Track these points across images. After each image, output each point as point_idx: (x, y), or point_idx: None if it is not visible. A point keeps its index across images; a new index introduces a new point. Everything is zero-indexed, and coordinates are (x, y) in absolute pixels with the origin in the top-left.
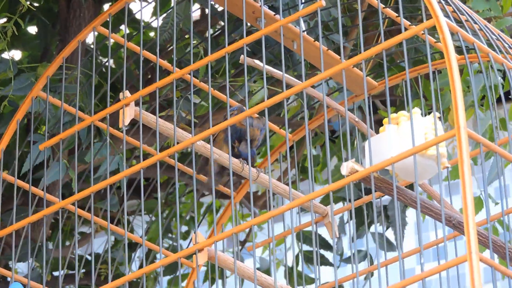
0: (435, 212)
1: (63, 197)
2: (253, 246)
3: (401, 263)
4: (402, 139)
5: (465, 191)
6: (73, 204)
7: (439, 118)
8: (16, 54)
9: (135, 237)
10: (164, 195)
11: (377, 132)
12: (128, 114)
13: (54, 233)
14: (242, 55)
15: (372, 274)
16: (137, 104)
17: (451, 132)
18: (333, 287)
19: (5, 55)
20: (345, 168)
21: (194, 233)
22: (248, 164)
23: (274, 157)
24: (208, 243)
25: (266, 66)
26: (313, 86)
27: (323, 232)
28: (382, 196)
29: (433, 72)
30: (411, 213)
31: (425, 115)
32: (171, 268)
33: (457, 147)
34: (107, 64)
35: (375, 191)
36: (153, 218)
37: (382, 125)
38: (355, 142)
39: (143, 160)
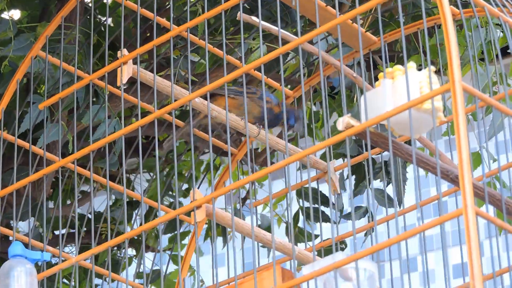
0: (432, 166)
1: (63, 157)
2: (232, 206)
3: (397, 220)
4: (397, 93)
5: (460, 145)
6: (73, 162)
7: (436, 72)
8: (15, 14)
9: (135, 195)
10: (164, 153)
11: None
12: (126, 73)
13: (55, 192)
14: (239, 12)
15: (372, 230)
16: (135, 62)
17: (446, 85)
18: (335, 243)
19: (5, 15)
20: (341, 123)
21: (192, 190)
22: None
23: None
24: (206, 200)
25: (263, 22)
26: (312, 43)
27: (324, 188)
28: (382, 152)
29: (432, 27)
30: (412, 169)
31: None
32: (172, 226)
33: (453, 101)
34: (105, 22)
35: (372, 146)
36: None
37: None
38: (355, 98)
39: (142, 118)
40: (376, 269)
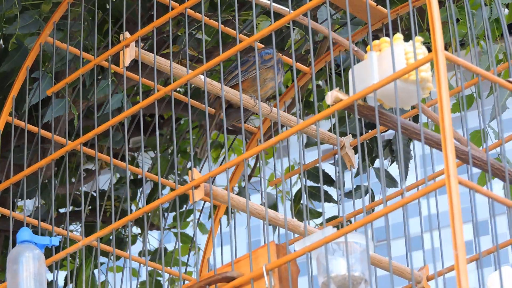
0: (425, 137)
1: (69, 135)
2: (246, 177)
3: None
4: (383, 65)
5: (443, 114)
6: (86, 144)
7: (422, 42)
8: None
9: (140, 171)
10: (168, 130)
11: None
12: (128, 55)
13: (60, 170)
14: None
15: (373, 210)
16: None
17: (429, 55)
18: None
19: None
20: (329, 97)
21: (190, 169)
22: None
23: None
24: (204, 179)
25: None
26: (316, 20)
27: (326, 167)
28: (386, 131)
29: (441, 2)
30: (417, 146)
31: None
32: (175, 204)
33: (435, 70)
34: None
35: (359, 119)
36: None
37: None
38: None
39: (144, 97)
40: (365, 241)
